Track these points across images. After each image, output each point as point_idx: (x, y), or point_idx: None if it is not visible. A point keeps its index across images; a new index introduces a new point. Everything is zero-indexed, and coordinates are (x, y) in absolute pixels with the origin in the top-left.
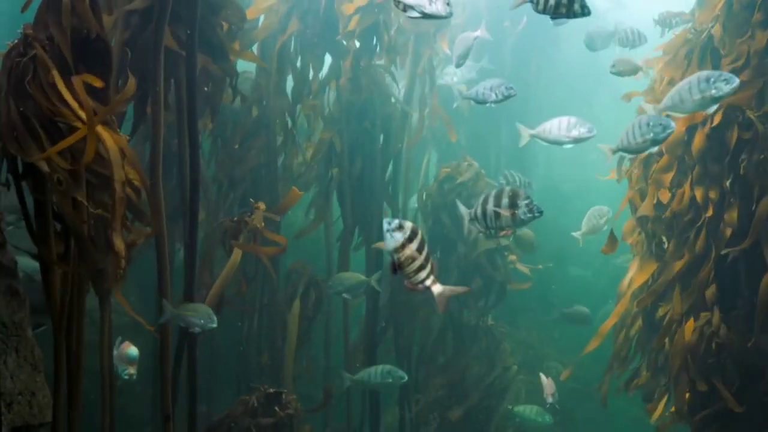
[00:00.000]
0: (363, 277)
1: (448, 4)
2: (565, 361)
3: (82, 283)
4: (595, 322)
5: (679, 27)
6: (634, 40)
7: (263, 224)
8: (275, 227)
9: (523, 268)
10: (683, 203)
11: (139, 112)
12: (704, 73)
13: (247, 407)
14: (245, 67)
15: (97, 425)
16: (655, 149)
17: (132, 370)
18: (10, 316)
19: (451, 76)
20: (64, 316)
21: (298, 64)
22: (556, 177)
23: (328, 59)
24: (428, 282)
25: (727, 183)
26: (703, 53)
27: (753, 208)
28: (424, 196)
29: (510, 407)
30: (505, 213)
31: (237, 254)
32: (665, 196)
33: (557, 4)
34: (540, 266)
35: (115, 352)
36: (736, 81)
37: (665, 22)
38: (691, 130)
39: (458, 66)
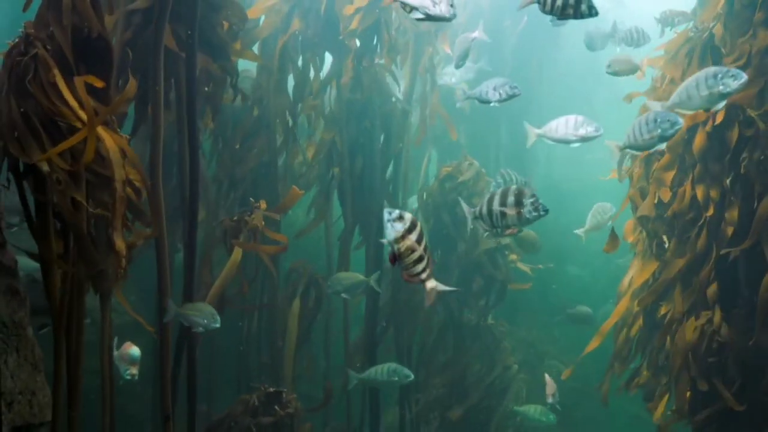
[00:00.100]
0: (362, 277)
1: (451, 5)
2: (565, 360)
3: (81, 282)
4: (595, 322)
5: (681, 26)
6: (638, 39)
7: (263, 223)
8: (276, 227)
9: (523, 267)
10: (684, 202)
11: (140, 111)
12: (711, 69)
13: (248, 406)
14: (245, 66)
15: (97, 425)
16: (662, 146)
17: (134, 370)
18: (11, 316)
19: (450, 77)
20: (63, 315)
21: (300, 63)
22: (556, 176)
23: (328, 59)
24: (423, 275)
25: (728, 181)
26: (704, 52)
27: (754, 206)
28: (424, 196)
29: (514, 407)
30: (511, 212)
31: (237, 253)
32: (666, 195)
33: (564, 5)
34: (540, 266)
35: (116, 353)
36: (744, 77)
37: (667, 20)
38: (692, 128)
39: (458, 67)
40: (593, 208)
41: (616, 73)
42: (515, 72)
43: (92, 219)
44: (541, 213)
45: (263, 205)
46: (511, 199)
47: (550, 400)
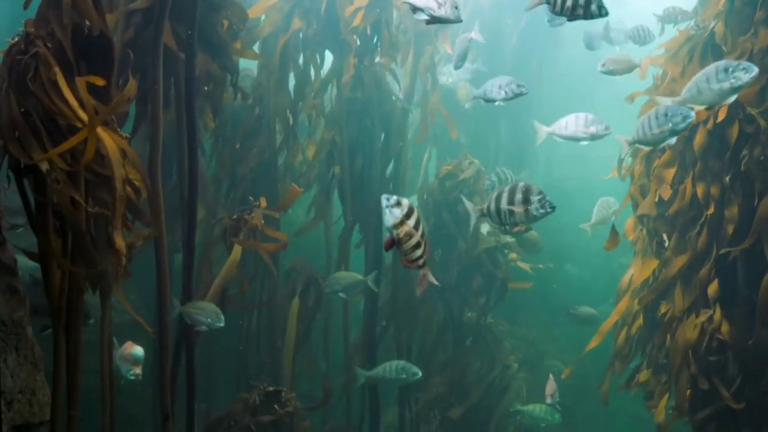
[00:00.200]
0: (359, 277)
1: (456, 7)
2: (565, 359)
3: (80, 281)
4: (598, 323)
5: (683, 24)
6: (644, 37)
7: (263, 222)
8: (275, 226)
9: (524, 266)
10: (685, 200)
11: (141, 111)
12: (722, 63)
13: (247, 405)
14: (245, 64)
15: (98, 424)
16: (672, 141)
17: (137, 370)
18: (10, 315)
19: (447, 76)
20: (63, 314)
21: (300, 61)
22: (556, 175)
23: (329, 58)
24: (421, 261)
25: (727, 179)
26: (705, 50)
27: (755, 203)
28: (424, 195)
29: (519, 406)
30: (519, 209)
31: (237, 251)
32: (666, 193)
33: (574, 5)
34: (540, 266)
35: (120, 353)
36: (755, 70)
37: (669, 18)
38: (693, 126)
39: (457, 68)
40: (598, 203)
41: (611, 72)
42: (515, 71)
43: (92, 218)
44: (548, 210)
45: (263, 203)
46: (518, 196)
47: (549, 400)
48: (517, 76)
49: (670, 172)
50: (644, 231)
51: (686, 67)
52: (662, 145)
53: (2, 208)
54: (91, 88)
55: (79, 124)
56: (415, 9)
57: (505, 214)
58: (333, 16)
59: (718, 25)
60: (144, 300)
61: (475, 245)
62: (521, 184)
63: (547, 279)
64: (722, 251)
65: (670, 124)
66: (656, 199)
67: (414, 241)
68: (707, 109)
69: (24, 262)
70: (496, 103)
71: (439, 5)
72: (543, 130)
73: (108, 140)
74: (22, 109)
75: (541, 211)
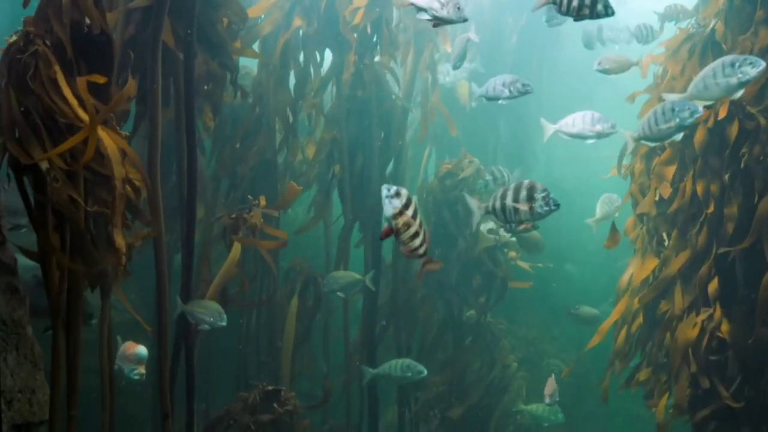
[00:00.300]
0: (357, 276)
1: (458, 8)
2: (565, 358)
3: (80, 279)
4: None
5: (683, 22)
6: (647, 35)
7: (262, 221)
8: (275, 225)
9: (523, 265)
10: (685, 198)
11: (141, 110)
12: (728, 58)
13: (246, 404)
14: (244, 63)
15: (99, 424)
16: (679, 136)
17: (142, 370)
18: (10, 314)
19: (444, 75)
20: (62, 312)
21: (301, 59)
22: (556, 174)
23: (329, 57)
24: (421, 250)
25: (726, 177)
26: (705, 48)
27: (755, 201)
28: (424, 194)
29: (523, 406)
30: (523, 207)
31: (236, 250)
32: (666, 191)
33: (580, 5)
34: (540, 265)
35: (123, 353)
36: (763, 64)
37: (671, 15)
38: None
39: (456, 68)
40: (601, 199)
41: (606, 71)
42: (516, 70)
43: (92, 217)
44: (552, 207)
45: (262, 201)
46: (523, 194)
47: (547, 400)
48: (517, 75)
49: (671, 170)
50: (644, 230)
51: (686, 66)
52: (664, 143)
53: (2, 207)
54: (91, 87)
55: (79, 124)
56: (418, 9)
57: (510, 211)
58: (333, 14)
59: (718, 23)
60: (144, 300)
61: (475, 244)
62: (526, 181)
63: (547, 278)
64: (721, 251)
65: (677, 119)
66: (656, 198)
67: (412, 230)
68: (708, 107)
69: (27, 263)
70: (500, 102)
71: (442, 5)
72: (549, 127)
73: (107, 139)
74: (22, 108)
75: (546, 208)
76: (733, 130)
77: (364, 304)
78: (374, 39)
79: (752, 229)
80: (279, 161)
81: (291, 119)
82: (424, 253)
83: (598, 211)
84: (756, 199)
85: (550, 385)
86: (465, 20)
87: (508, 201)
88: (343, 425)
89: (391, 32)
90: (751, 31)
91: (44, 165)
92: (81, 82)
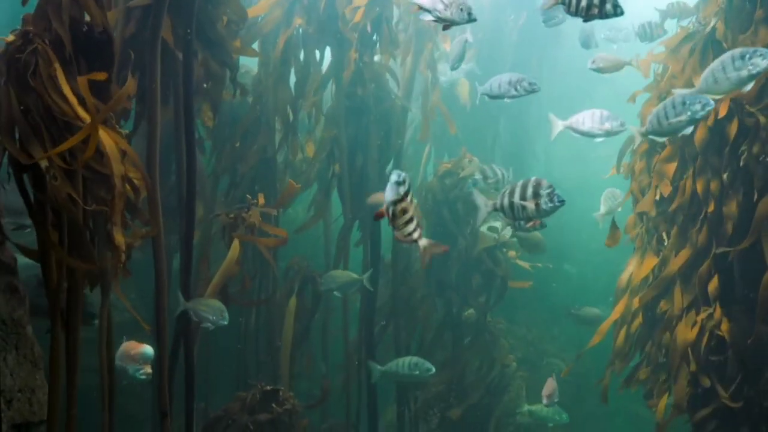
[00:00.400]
0: (355, 276)
1: (461, 9)
2: (565, 358)
3: (79, 278)
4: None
5: (684, 21)
6: (651, 33)
7: (260, 220)
8: (274, 223)
9: (523, 264)
10: (685, 196)
11: (141, 109)
12: (737, 50)
13: (245, 404)
14: (244, 61)
15: (98, 424)
16: (689, 130)
17: (148, 369)
18: (10, 314)
19: (441, 75)
20: (61, 311)
21: (301, 57)
22: (556, 174)
23: (329, 56)
24: (415, 235)
25: (725, 175)
26: (705, 47)
27: (755, 199)
28: (423, 192)
29: (527, 406)
30: (530, 204)
31: (235, 248)
32: (666, 189)
33: (589, 5)
34: (539, 264)
35: (127, 352)
36: None
37: (672, 13)
38: None
39: (454, 68)
40: (604, 194)
41: (600, 70)
42: (515, 69)
43: (91, 216)
44: (557, 203)
45: (261, 200)
46: (530, 191)
47: (545, 401)
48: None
49: (671, 167)
50: (643, 229)
51: (686, 64)
52: (665, 140)
53: (1, 206)
54: (91, 86)
55: (79, 123)
56: (422, 10)
57: (517, 208)
58: (333, 12)
59: (719, 22)
60: (144, 299)
61: (475, 243)
62: (533, 179)
63: (547, 278)
64: (719, 251)
65: (689, 113)
66: (656, 197)
67: (407, 216)
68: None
69: (31, 263)
70: (506, 100)
71: (446, 6)
72: (558, 124)
73: (106, 138)
74: (22, 107)
75: (550, 204)
76: (733, 128)
77: (363, 303)
78: (374, 37)
79: (752, 229)
80: (279, 160)
81: (291, 118)
82: (419, 238)
83: (603, 207)
84: (756, 197)
85: (549, 386)
86: (472, 21)
87: (516, 198)
88: (343, 424)
89: (392, 30)
90: (751, 30)
91: (44, 163)
92: (82, 80)
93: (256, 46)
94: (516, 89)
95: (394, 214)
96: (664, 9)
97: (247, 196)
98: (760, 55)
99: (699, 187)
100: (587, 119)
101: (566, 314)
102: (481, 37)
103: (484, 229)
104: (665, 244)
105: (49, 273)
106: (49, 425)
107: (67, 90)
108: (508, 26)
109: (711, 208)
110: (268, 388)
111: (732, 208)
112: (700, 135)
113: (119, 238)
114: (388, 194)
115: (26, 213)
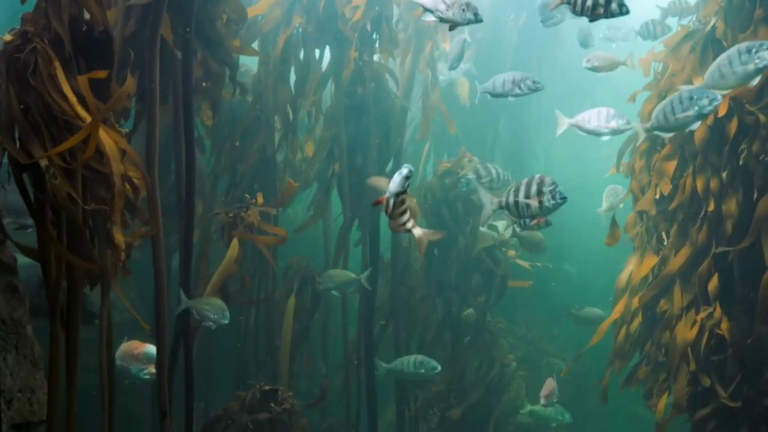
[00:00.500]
0: (353, 275)
1: (464, 9)
2: (565, 358)
3: (79, 277)
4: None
5: (685, 19)
6: (653, 31)
7: (259, 219)
8: (274, 223)
9: (523, 263)
10: (685, 194)
11: (141, 108)
12: (743, 45)
13: (244, 403)
14: (244, 60)
15: (98, 423)
16: (696, 125)
17: (152, 369)
18: (10, 314)
19: (439, 74)
20: (61, 311)
21: (301, 56)
22: (555, 175)
23: (329, 55)
24: (409, 225)
25: (725, 174)
26: (705, 46)
27: (754, 198)
28: (423, 191)
29: (530, 406)
30: (533, 201)
31: (235, 247)
32: (666, 188)
33: (594, 5)
34: (539, 264)
35: (130, 352)
36: None
37: (672, 11)
38: None
39: (452, 68)
40: (606, 190)
41: (595, 69)
42: (515, 69)
43: (91, 215)
44: (559, 201)
45: (260, 199)
46: (533, 188)
47: (543, 401)
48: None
49: (671, 165)
50: (643, 228)
51: (686, 62)
52: (665, 138)
53: (1, 206)
54: (91, 85)
55: (79, 123)
56: (424, 10)
57: (522, 206)
58: (332, 12)
59: (719, 21)
60: (143, 299)
61: (475, 243)
62: (537, 176)
63: (547, 278)
64: (719, 250)
65: (696, 107)
66: (656, 196)
67: (404, 206)
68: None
69: (31, 263)
70: (509, 99)
71: (448, 7)
72: (564, 121)
73: (106, 137)
74: (22, 106)
75: (552, 202)
76: (733, 126)
77: (361, 302)
78: (374, 36)
79: (751, 229)
80: (279, 159)
81: (291, 117)
82: (413, 227)
83: (605, 203)
84: (755, 196)
85: (548, 386)
86: (478, 21)
87: (521, 196)
88: (342, 424)
89: (391, 29)
90: (751, 30)
91: (43, 162)
92: (82, 79)
93: (255, 45)
94: (520, 88)
95: (394, 204)
96: (666, 7)
97: (246, 195)
98: (767, 48)
99: (699, 186)
100: (593, 117)
101: (566, 314)
102: (480, 37)
103: (483, 228)
104: (665, 243)
105: (49, 273)
106: (49, 425)
107: (67, 89)
108: (508, 26)
109: (711, 206)
110: (267, 387)
111: (732, 207)
112: (700, 133)
113: (119, 237)
114: (395, 186)
115: (27, 212)
